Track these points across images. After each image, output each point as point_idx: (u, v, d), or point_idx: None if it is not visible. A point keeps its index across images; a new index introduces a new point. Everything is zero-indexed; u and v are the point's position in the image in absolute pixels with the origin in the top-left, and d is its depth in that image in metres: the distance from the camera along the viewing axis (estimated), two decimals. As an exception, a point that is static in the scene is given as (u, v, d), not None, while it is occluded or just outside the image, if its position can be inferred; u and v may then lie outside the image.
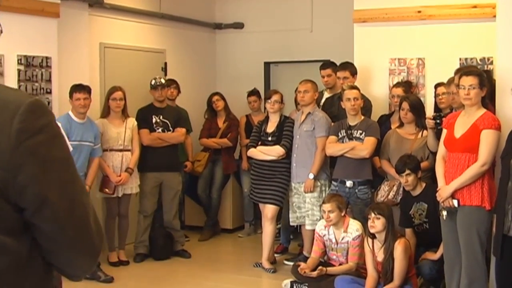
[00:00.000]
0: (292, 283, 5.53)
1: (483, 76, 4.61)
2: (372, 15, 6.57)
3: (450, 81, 5.35)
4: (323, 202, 5.54)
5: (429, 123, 5.35)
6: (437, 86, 5.89)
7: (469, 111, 4.60)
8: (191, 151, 7.54)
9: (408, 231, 5.40)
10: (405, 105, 5.68)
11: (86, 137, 5.90)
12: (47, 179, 1.36)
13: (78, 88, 5.88)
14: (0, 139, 1.33)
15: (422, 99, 6.16)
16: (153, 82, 6.74)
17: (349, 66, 6.38)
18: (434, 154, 5.28)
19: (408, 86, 6.22)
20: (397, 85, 6.23)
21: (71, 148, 1.56)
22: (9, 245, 1.37)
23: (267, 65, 8.86)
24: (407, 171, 5.27)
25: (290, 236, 7.19)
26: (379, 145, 5.82)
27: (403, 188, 5.46)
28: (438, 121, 5.21)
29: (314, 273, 5.35)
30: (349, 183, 5.78)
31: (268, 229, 6.35)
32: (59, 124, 1.50)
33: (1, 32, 1.62)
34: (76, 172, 1.46)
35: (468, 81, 4.53)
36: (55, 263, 1.47)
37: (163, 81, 6.84)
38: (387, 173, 5.78)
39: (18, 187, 1.35)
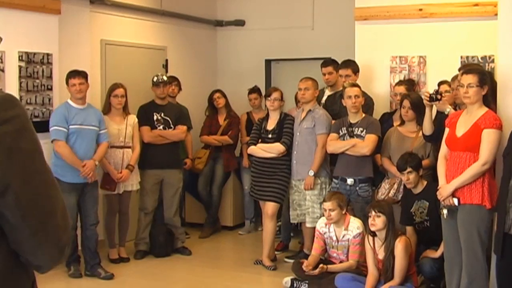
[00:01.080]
0: (292, 280, 5.53)
1: (483, 75, 4.59)
2: (374, 12, 6.57)
3: (455, 77, 5.34)
4: (324, 201, 5.54)
5: (425, 96, 5.24)
6: (440, 84, 5.87)
7: (471, 110, 4.60)
8: (190, 148, 7.54)
9: (409, 229, 5.40)
10: (406, 103, 5.68)
11: (89, 121, 5.87)
12: (11, 167, 1.43)
13: (73, 73, 5.86)
14: None
15: (423, 97, 6.15)
16: (155, 79, 6.73)
17: (351, 64, 6.37)
18: (435, 152, 5.27)
19: (410, 84, 6.22)
20: (400, 83, 6.23)
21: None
22: None
23: (268, 62, 8.86)
24: (409, 169, 5.27)
25: (291, 234, 7.18)
26: (380, 143, 5.82)
27: (404, 186, 5.46)
28: (433, 96, 5.13)
29: (316, 271, 5.35)
30: (350, 181, 5.78)
31: (268, 226, 6.35)
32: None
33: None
34: (45, 165, 1.53)
35: (467, 79, 4.53)
36: (20, 252, 1.52)
37: (165, 78, 6.83)
38: (388, 171, 5.78)
39: None
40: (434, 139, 5.28)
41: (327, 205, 5.41)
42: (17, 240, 1.49)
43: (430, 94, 5.12)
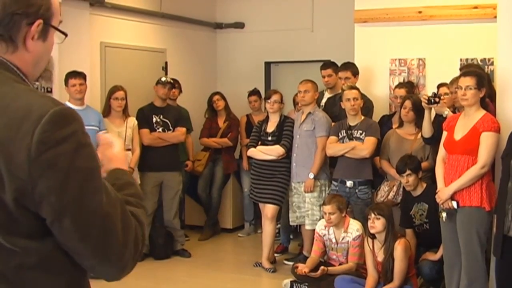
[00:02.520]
0: (292, 282, 5.53)
1: (481, 77, 4.59)
2: (373, 15, 6.58)
3: (454, 80, 5.35)
4: (324, 204, 5.55)
5: (424, 98, 5.21)
6: (439, 86, 5.88)
7: (468, 112, 4.61)
8: (191, 150, 7.55)
9: (408, 231, 5.41)
10: (408, 103, 5.67)
11: (89, 121, 5.84)
12: (66, 190, 1.35)
13: (73, 74, 5.90)
14: (21, 149, 1.33)
15: (422, 99, 6.15)
16: (163, 79, 6.76)
17: (350, 66, 6.37)
18: (434, 154, 5.28)
19: (410, 87, 6.22)
20: (400, 85, 6.23)
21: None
22: (31, 248, 1.39)
23: (267, 65, 8.86)
24: (408, 171, 5.27)
25: (290, 236, 7.19)
26: (379, 145, 5.83)
27: (404, 188, 5.46)
28: (432, 99, 5.14)
29: (317, 273, 5.36)
30: (349, 183, 5.78)
31: (268, 228, 6.36)
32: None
33: (66, 36, 1.63)
34: (101, 182, 1.43)
35: (465, 82, 4.54)
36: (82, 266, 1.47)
37: (172, 82, 6.88)
38: (387, 173, 5.78)
39: (37, 197, 1.35)
40: (434, 142, 5.28)
41: (327, 208, 5.41)
42: (77, 259, 1.44)
43: (429, 97, 5.14)
